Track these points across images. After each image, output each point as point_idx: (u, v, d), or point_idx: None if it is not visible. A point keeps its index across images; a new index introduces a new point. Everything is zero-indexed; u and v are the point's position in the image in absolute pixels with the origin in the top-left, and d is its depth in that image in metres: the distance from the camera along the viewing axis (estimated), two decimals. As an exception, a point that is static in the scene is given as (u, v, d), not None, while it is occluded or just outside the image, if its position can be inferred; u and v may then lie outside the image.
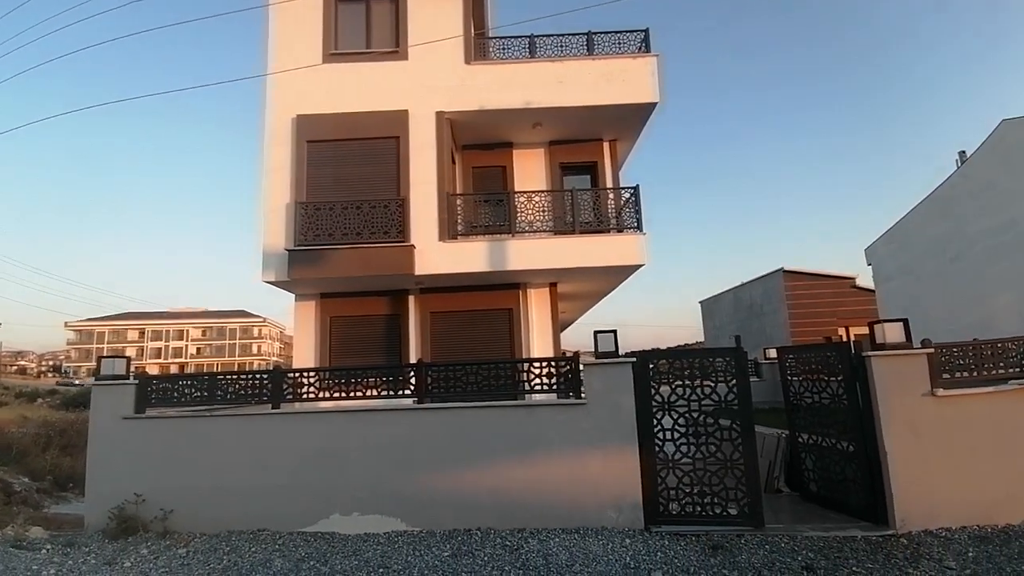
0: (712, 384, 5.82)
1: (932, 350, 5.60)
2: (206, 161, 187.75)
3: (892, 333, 5.64)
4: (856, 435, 5.72)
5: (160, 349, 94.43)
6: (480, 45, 10.76)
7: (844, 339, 21.98)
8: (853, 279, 24.13)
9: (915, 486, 5.36)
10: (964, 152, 15.15)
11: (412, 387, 6.28)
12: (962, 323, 13.33)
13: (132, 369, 6.74)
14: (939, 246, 15.11)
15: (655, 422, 5.84)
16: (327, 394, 6.47)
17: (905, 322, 5.69)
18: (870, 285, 20.16)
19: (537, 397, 6.32)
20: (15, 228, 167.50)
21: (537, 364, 6.22)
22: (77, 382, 64.06)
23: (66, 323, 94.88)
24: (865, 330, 5.80)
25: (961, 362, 5.77)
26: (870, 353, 5.59)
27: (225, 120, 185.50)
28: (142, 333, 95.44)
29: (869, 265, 18.72)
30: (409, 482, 5.87)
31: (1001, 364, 5.80)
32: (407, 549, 5.22)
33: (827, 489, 6.19)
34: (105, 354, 7.02)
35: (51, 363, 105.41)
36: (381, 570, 4.79)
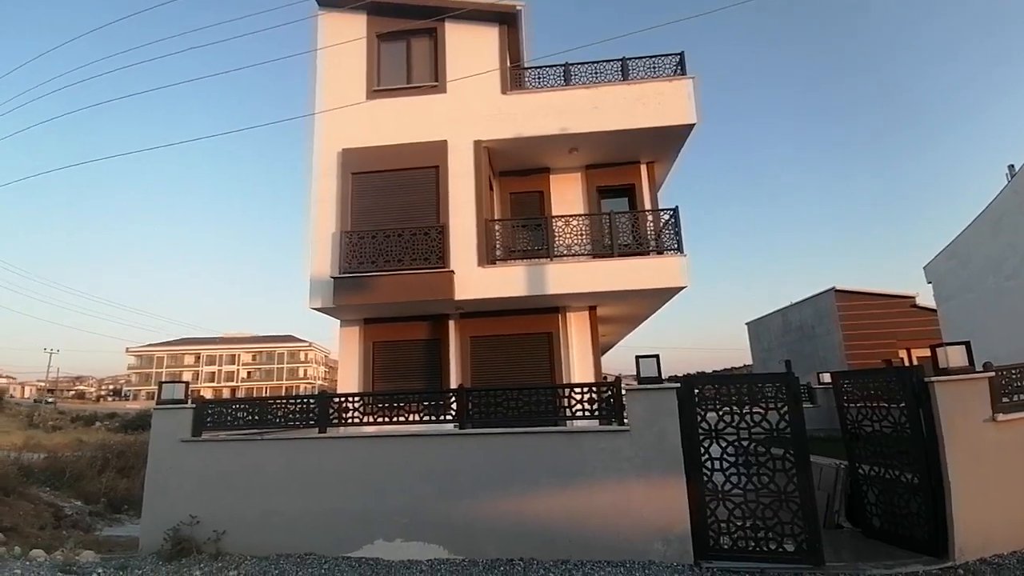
0: (762, 411, 5.58)
1: (993, 373, 5.33)
2: (259, 193, 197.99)
3: (955, 357, 5.34)
4: (920, 466, 5.36)
5: (214, 373, 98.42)
6: (516, 75, 11.02)
7: (905, 362, 20.76)
8: (913, 298, 22.85)
9: (974, 515, 5.10)
10: (1013, 166, 14.27)
11: (453, 412, 6.31)
12: (1022, 343, 12.36)
13: (189, 393, 7.06)
14: (995, 263, 14.21)
15: (702, 451, 5.63)
16: (371, 418, 6.58)
17: (967, 345, 5.38)
18: (931, 304, 19.01)
19: (578, 423, 6.23)
20: (77, 259, 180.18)
21: (578, 390, 6.14)
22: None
23: (127, 348, 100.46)
24: (928, 352, 5.49)
25: (1018, 384, 5.54)
26: (933, 378, 5.29)
27: (273, 150, 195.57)
28: (198, 358, 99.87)
29: (929, 283, 17.69)
30: (451, 509, 5.85)
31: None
32: (449, 578, 5.17)
33: (891, 524, 5.78)
34: (164, 379, 7.37)
35: (111, 387, 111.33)
36: (424, 599, 4.76)
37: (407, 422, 6.45)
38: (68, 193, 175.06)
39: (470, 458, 6.00)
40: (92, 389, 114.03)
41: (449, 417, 6.34)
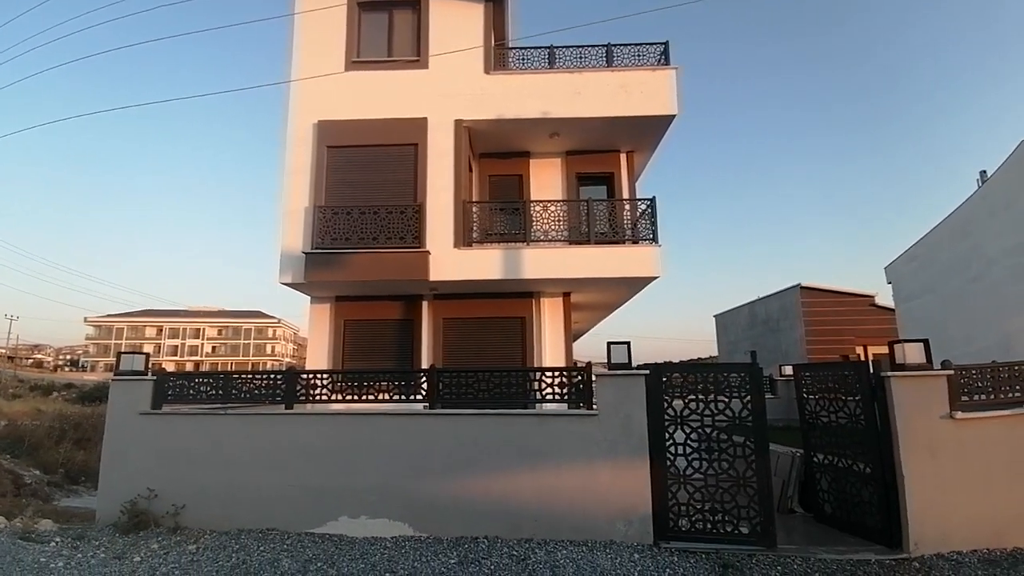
0: (726, 400, 5.75)
1: (952, 372, 5.50)
2: (228, 162, 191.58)
3: (912, 354, 5.53)
4: (873, 457, 5.60)
5: (177, 347, 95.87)
6: (500, 55, 10.86)
7: (862, 358, 21.60)
8: (872, 297, 23.72)
9: (931, 509, 5.27)
10: (985, 172, 14.88)
11: (423, 392, 6.30)
12: (981, 344, 13.00)
13: (150, 365, 6.85)
14: (959, 266, 14.82)
15: (667, 436, 5.77)
16: (339, 396, 6.51)
17: (926, 342, 5.59)
18: (890, 304, 19.78)
19: (548, 407, 6.29)
20: (39, 225, 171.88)
21: (549, 373, 6.19)
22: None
23: (86, 318, 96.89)
24: (884, 349, 5.70)
25: (979, 384, 5.69)
26: (889, 373, 5.49)
27: (247, 121, 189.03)
28: (160, 330, 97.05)
29: (889, 283, 18.40)
30: (418, 487, 5.87)
31: (1018, 387, 5.72)
32: (413, 555, 5.21)
33: (842, 511, 6.06)
34: (123, 350, 7.13)
35: (68, 357, 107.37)
36: (387, 575, 4.79)
37: (376, 401, 6.41)
38: (28, 159, 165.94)
39: (439, 438, 6.01)
40: (50, 358, 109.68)
41: (419, 397, 6.32)
